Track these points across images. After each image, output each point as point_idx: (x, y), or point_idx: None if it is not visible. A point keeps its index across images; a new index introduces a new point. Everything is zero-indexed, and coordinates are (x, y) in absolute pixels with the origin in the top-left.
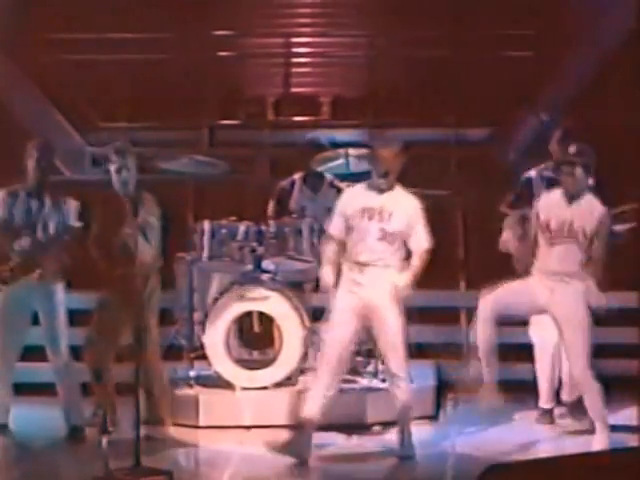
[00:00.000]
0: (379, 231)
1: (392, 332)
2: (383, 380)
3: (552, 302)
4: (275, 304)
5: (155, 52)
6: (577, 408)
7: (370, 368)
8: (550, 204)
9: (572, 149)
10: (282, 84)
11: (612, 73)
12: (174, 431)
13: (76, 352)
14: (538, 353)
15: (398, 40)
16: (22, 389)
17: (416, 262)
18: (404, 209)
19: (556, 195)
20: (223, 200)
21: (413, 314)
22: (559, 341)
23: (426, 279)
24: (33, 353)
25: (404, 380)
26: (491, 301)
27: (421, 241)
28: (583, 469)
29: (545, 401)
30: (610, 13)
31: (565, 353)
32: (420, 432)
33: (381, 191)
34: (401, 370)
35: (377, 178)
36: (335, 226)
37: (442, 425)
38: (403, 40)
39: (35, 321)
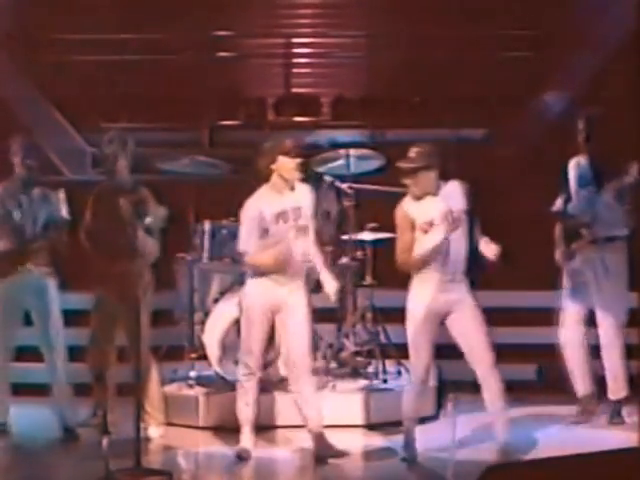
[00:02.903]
0: (296, 230)
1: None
2: (384, 380)
3: (450, 303)
4: None
5: (156, 53)
6: (619, 412)
7: (371, 368)
8: (415, 206)
9: (412, 154)
10: (282, 84)
11: (612, 73)
12: (173, 431)
13: (71, 353)
14: (569, 352)
15: (398, 40)
16: (20, 390)
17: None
18: (307, 201)
19: (409, 203)
20: (224, 201)
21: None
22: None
23: None
24: (31, 354)
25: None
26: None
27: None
28: (583, 469)
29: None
30: (610, 13)
31: (470, 352)
32: (420, 432)
33: (282, 194)
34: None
35: (282, 182)
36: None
37: (442, 425)
38: (403, 40)
39: (30, 321)
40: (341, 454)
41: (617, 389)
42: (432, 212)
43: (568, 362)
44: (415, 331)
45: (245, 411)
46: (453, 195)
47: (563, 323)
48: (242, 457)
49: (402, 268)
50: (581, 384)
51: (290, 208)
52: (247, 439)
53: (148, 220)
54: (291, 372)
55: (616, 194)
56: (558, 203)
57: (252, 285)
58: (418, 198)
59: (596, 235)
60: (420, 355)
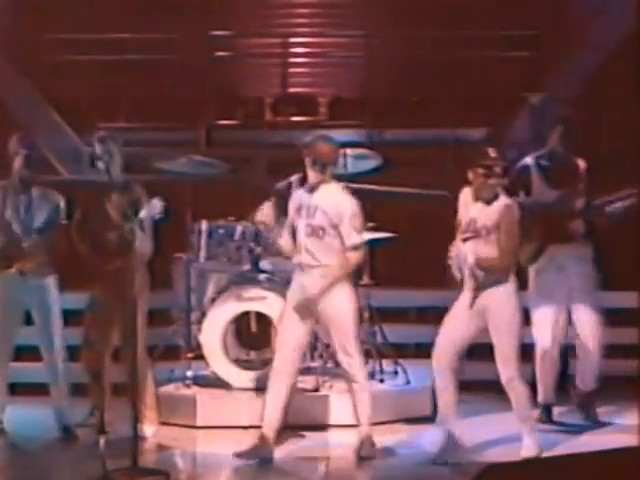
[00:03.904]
0: (306, 227)
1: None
2: (381, 380)
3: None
4: (272, 304)
5: (153, 52)
6: (589, 403)
7: (368, 368)
8: (466, 202)
9: (492, 154)
10: (280, 84)
11: (611, 72)
12: (170, 431)
13: (70, 352)
14: (540, 351)
15: (396, 40)
16: (16, 389)
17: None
18: (330, 204)
19: (468, 194)
20: (221, 200)
21: (413, 314)
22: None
23: (425, 279)
24: (27, 353)
25: (362, 379)
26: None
27: (347, 238)
28: (582, 469)
29: (544, 398)
30: (609, 13)
31: (496, 355)
32: (417, 432)
33: (312, 189)
34: (358, 369)
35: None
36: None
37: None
38: (401, 40)
39: (29, 321)
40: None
41: (588, 381)
42: (463, 213)
43: (539, 370)
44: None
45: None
46: (490, 207)
47: (542, 332)
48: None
49: None
50: (546, 393)
51: (306, 205)
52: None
53: (142, 213)
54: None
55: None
56: (526, 201)
57: (293, 280)
58: (474, 194)
59: (578, 235)
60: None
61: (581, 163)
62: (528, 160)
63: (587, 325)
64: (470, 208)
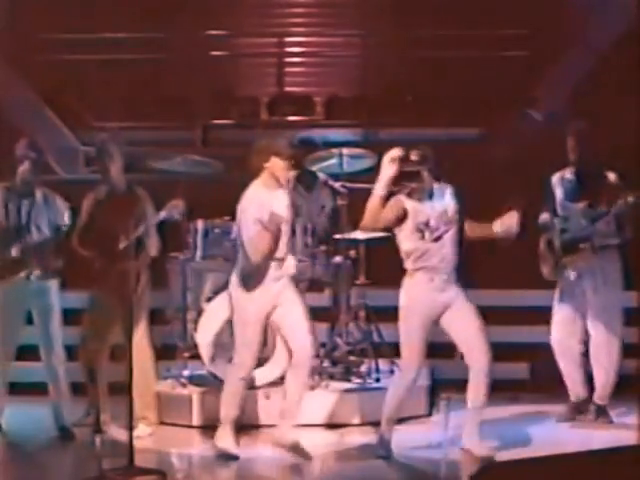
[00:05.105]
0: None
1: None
2: (377, 379)
3: (446, 303)
4: None
5: (149, 52)
6: (605, 412)
7: (364, 367)
8: (412, 204)
9: (414, 156)
10: (276, 84)
11: (606, 72)
12: (166, 431)
13: (69, 352)
14: (562, 358)
15: (392, 40)
16: (14, 389)
17: None
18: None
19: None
20: (217, 200)
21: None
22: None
23: None
24: (25, 353)
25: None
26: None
27: None
28: (581, 468)
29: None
30: (604, 13)
31: (467, 352)
32: (413, 431)
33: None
34: (307, 359)
35: (273, 180)
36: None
37: (435, 424)
38: (397, 40)
39: (28, 320)
40: (307, 457)
41: (604, 395)
42: (429, 212)
43: (562, 368)
44: (408, 330)
45: (231, 411)
46: (445, 196)
47: (557, 329)
48: (228, 457)
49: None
50: (574, 390)
51: (296, 204)
52: (229, 439)
53: (162, 214)
54: (290, 367)
55: (616, 213)
56: (544, 217)
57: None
58: (417, 199)
59: (594, 246)
60: (413, 354)
61: (610, 175)
62: (554, 177)
63: (599, 341)
64: (427, 207)
